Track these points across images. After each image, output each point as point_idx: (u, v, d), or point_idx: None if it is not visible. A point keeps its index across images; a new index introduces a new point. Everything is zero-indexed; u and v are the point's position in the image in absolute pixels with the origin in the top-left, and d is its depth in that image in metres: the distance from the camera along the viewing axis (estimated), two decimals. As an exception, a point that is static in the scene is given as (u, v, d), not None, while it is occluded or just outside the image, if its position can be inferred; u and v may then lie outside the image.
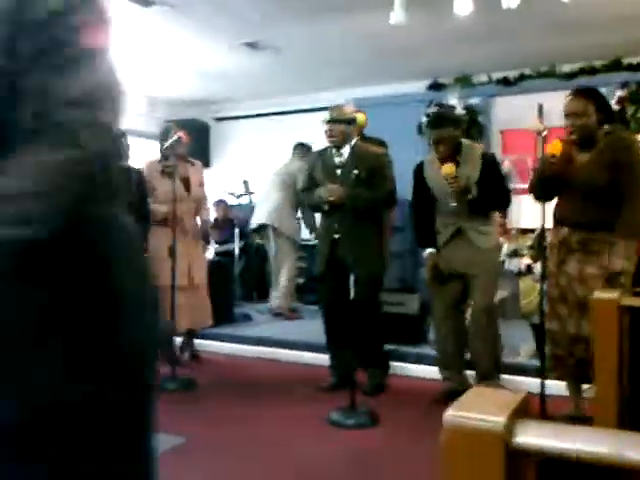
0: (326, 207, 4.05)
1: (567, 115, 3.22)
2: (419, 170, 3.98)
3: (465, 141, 3.89)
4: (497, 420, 0.70)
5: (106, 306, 1.05)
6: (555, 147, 3.19)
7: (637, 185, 3.12)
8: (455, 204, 3.72)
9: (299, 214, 6.52)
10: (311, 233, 6.39)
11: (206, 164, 8.83)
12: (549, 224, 3.42)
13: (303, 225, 6.62)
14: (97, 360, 1.03)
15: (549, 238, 3.43)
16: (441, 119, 3.80)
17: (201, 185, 4.85)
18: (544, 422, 0.78)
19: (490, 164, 3.83)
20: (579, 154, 3.25)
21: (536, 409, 3.17)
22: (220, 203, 7.54)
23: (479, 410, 0.70)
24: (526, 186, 6.23)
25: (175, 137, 4.48)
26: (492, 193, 3.75)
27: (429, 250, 3.92)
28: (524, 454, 0.71)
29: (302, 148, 6.57)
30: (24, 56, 0.99)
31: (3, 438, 0.97)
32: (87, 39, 1.06)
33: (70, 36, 1.03)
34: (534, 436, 0.71)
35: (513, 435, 0.70)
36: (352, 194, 3.90)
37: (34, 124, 0.97)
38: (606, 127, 3.20)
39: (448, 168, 3.68)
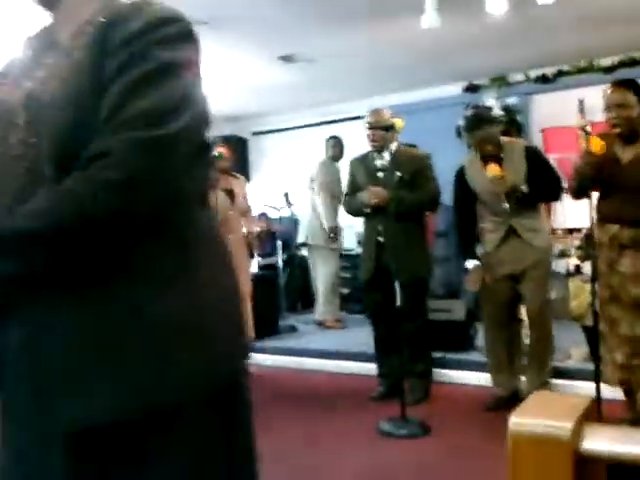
0: (368, 210, 4.04)
1: (609, 107, 3.13)
2: (460, 174, 3.92)
3: (504, 138, 3.82)
4: (564, 425, 0.67)
5: None
6: (596, 144, 3.10)
7: None
8: (507, 205, 3.65)
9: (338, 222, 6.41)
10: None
11: (246, 178, 8.92)
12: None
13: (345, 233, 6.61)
14: None
15: (597, 236, 3.34)
16: (479, 120, 3.75)
17: (245, 198, 4.91)
18: (612, 427, 0.75)
19: (535, 156, 3.74)
20: (623, 148, 3.16)
21: (595, 409, 3.08)
22: (262, 216, 7.58)
23: (545, 415, 0.68)
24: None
25: (217, 153, 4.57)
26: (543, 185, 3.66)
27: (474, 263, 3.82)
28: (593, 460, 0.68)
29: (335, 140, 6.56)
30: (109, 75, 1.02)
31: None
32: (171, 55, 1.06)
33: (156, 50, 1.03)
34: (603, 441, 0.68)
35: (581, 440, 0.67)
36: (396, 196, 3.88)
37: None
38: None
39: (493, 169, 3.61)
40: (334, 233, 6.16)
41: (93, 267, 1.00)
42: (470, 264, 3.81)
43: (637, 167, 3.08)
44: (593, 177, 3.16)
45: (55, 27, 1.17)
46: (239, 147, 8.76)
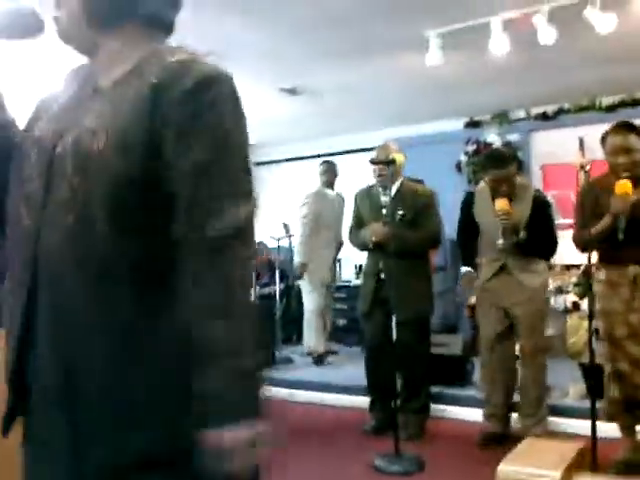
0: (371, 246, 4.04)
1: (615, 152, 3.12)
2: (468, 201, 3.92)
3: (519, 179, 3.83)
4: (553, 475, 0.66)
5: None
6: (626, 186, 3.03)
7: None
8: (502, 242, 3.64)
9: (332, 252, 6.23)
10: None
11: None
12: (594, 260, 3.32)
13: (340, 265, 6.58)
14: None
15: (599, 275, 3.32)
16: (503, 158, 3.77)
17: None
18: (601, 476, 0.73)
19: (541, 205, 3.75)
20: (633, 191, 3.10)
21: (588, 453, 3.04)
22: (260, 246, 7.57)
23: (534, 463, 0.66)
24: (569, 221, 6.13)
25: None
26: (539, 238, 3.66)
27: (466, 269, 3.90)
28: (582, 510, 0.67)
29: (327, 165, 6.34)
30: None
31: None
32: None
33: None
34: (592, 491, 0.67)
35: (570, 490, 0.66)
36: (398, 235, 3.87)
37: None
38: None
39: (503, 203, 3.60)
40: (300, 271, 5.91)
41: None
42: (464, 269, 3.92)
43: None
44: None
45: (96, 71, 1.20)
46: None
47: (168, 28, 1.25)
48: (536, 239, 3.65)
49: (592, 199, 3.23)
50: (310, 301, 6.05)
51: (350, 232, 4.37)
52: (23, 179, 1.14)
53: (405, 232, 3.95)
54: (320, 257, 5.96)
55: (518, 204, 3.67)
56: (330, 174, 6.25)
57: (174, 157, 1.05)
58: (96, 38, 1.17)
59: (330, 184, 6.23)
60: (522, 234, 3.62)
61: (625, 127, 3.16)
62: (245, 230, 1.08)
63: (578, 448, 2.57)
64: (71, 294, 1.07)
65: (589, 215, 3.22)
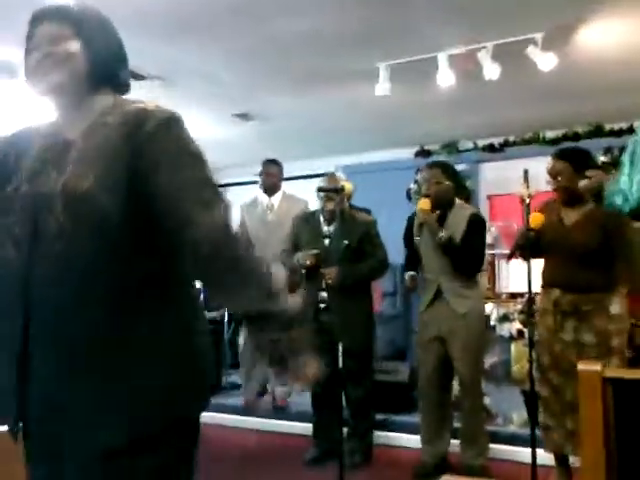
0: (303, 271, 4.03)
1: (550, 176, 3.28)
2: (410, 222, 3.98)
3: (458, 201, 3.89)
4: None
5: None
6: (535, 220, 3.21)
7: (628, 243, 3.16)
8: (417, 238, 3.71)
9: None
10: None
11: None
12: (538, 288, 3.41)
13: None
14: None
15: (538, 302, 3.41)
16: (434, 164, 3.98)
17: None
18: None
19: (475, 222, 3.76)
20: (567, 211, 3.26)
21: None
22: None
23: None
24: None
25: None
26: (466, 249, 3.67)
27: (410, 273, 3.92)
28: None
29: (265, 165, 5.23)
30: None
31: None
32: None
33: None
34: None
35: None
36: (348, 273, 3.89)
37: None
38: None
39: (423, 203, 3.67)
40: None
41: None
42: (407, 273, 3.94)
43: (581, 229, 3.17)
44: (533, 247, 3.25)
45: (62, 125, 1.40)
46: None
47: (124, 88, 1.51)
48: (460, 247, 3.66)
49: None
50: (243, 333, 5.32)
51: (282, 253, 4.30)
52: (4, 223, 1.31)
53: (354, 269, 3.97)
54: None
55: (451, 224, 3.72)
56: (266, 176, 5.09)
57: (153, 184, 1.28)
58: (86, 95, 1.40)
59: (269, 188, 5.09)
60: (443, 233, 3.64)
61: (560, 155, 3.30)
62: (228, 227, 1.32)
63: None
64: (72, 319, 1.25)
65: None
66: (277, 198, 5.07)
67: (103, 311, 1.26)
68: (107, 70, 1.43)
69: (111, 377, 1.26)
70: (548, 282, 3.29)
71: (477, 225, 3.77)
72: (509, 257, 3.65)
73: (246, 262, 1.31)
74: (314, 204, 4.41)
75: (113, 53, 1.45)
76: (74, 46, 1.38)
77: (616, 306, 3.12)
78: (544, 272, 3.33)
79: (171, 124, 1.34)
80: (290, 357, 1.33)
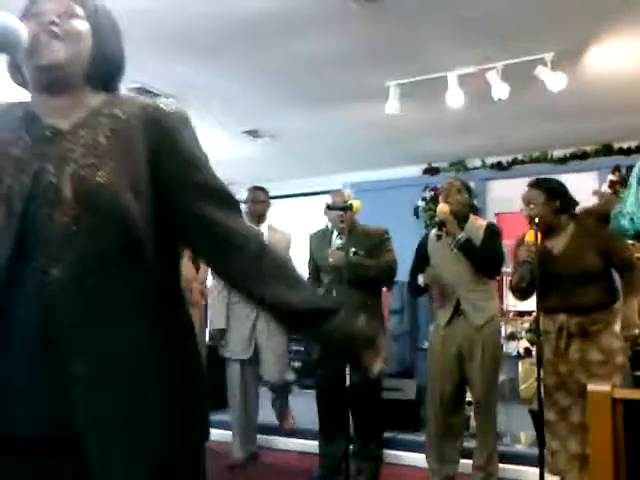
0: (326, 280, 4.04)
1: (523, 203, 3.37)
2: (424, 241, 3.98)
3: (472, 216, 3.91)
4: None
5: None
6: (531, 235, 3.25)
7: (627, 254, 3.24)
8: (435, 232, 3.71)
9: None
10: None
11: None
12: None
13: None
14: None
15: (543, 323, 3.41)
16: (455, 178, 4.06)
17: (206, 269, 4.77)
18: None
19: (491, 230, 3.80)
20: (549, 241, 3.32)
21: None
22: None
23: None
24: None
25: None
26: (485, 251, 3.68)
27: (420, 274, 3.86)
28: None
29: (251, 192, 4.68)
30: None
31: None
32: None
33: None
34: None
35: None
36: (354, 261, 3.87)
37: None
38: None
39: (443, 207, 3.69)
40: (215, 339, 4.61)
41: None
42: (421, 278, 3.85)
43: (569, 256, 3.22)
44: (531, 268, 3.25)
45: (47, 108, 1.24)
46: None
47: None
48: (481, 248, 3.67)
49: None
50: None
51: (309, 279, 4.22)
52: None
53: (362, 259, 3.97)
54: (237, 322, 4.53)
55: (469, 231, 3.71)
56: (254, 204, 4.61)
57: (176, 182, 1.24)
58: (80, 87, 1.26)
59: (257, 216, 4.60)
60: (462, 234, 3.64)
61: (533, 184, 3.38)
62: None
63: None
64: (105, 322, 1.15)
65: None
66: (264, 228, 4.63)
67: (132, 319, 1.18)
68: (108, 70, 1.31)
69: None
70: (551, 308, 3.29)
71: (494, 232, 3.80)
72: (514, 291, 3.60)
73: (287, 264, 1.33)
74: (321, 222, 4.42)
75: (117, 56, 1.33)
76: (85, 26, 1.24)
77: (618, 325, 3.13)
78: (545, 299, 3.29)
79: (188, 122, 1.34)
80: (363, 340, 1.35)
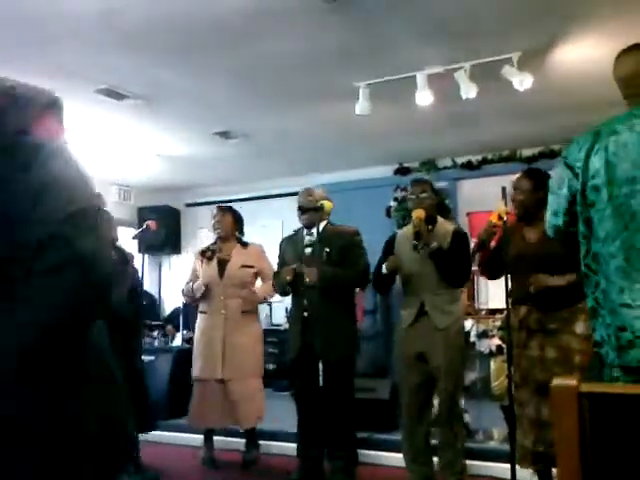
0: (287, 289, 4.08)
1: (513, 189, 3.49)
2: (391, 240, 3.99)
3: (440, 218, 3.93)
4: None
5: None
6: (497, 214, 3.39)
7: None
8: (415, 242, 3.68)
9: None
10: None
11: (177, 249, 8.85)
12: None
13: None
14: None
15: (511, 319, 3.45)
16: (422, 180, 4.07)
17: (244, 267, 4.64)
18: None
19: (459, 236, 3.83)
20: (527, 230, 3.43)
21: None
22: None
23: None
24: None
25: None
26: (454, 260, 3.70)
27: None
28: None
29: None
30: None
31: None
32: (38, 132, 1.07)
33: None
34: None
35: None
36: (327, 273, 3.90)
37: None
38: None
39: (418, 212, 3.71)
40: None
41: None
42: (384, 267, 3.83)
43: (541, 244, 3.27)
44: (492, 248, 3.46)
45: None
46: (173, 218, 8.75)
47: None
48: (450, 257, 3.69)
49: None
50: None
51: (274, 277, 4.35)
52: None
53: (334, 269, 3.99)
54: None
55: (437, 235, 3.75)
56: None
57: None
58: None
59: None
60: (434, 243, 3.67)
61: (525, 172, 3.56)
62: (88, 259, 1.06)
63: None
64: None
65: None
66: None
67: None
68: None
69: None
70: (516, 299, 3.37)
71: (461, 238, 3.84)
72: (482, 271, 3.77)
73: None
74: (295, 222, 4.42)
75: None
76: None
77: (581, 325, 3.16)
78: (513, 289, 3.38)
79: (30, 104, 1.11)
80: None
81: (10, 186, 1.03)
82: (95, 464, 1.13)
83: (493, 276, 3.70)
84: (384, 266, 3.79)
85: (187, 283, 4.70)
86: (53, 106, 1.10)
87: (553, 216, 2.27)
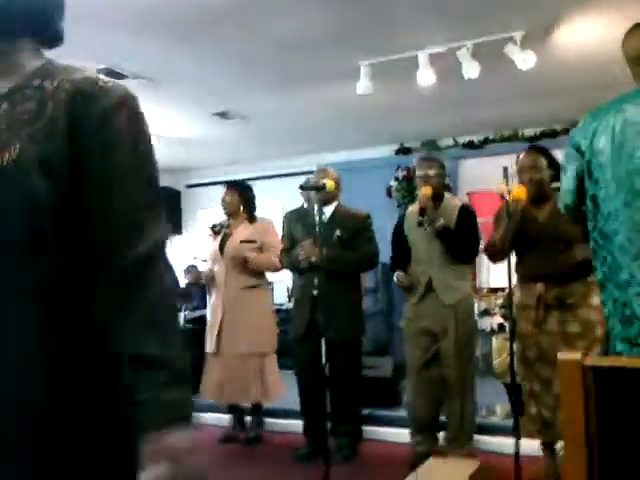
0: (303, 265, 4.06)
1: (522, 169, 3.38)
2: (400, 221, 4.02)
3: (447, 194, 3.96)
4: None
5: None
6: (521, 191, 3.25)
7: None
8: (421, 219, 3.67)
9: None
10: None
11: (178, 230, 8.87)
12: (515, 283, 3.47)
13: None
14: None
15: (518, 297, 3.47)
16: (431, 157, 4.05)
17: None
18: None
19: (466, 212, 3.85)
20: (535, 209, 3.38)
21: (510, 470, 3.16)
22: (191, 269, 7.52)
23: None
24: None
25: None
26: (462, 236, 3.74)
27: (398, 271, 3.88)
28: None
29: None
30: None
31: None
32: None
33: None
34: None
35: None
36: (336, 256, 3.92)
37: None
38: (556, 184, 3.32)
39: (425, 189, 3.70)
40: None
41: None
42: (397, 273, 3.88)
43: (554, 222, 3.25)
44: (515, 231, 3.27)
45: None
46: (173, 199, 8.76)
47: (55, 41, 1.22)
48: (457, 234, 3.72)
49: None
50: None
51: (282, 254, 4.37)
52: None
53: (343, 253, 4.01)
54: None
55: (442, 214, 3.77)
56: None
57: (91, 175, 1.06)
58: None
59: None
60: (441, 221, 3.67)
61: (535, 149, 3.47)
62: (163, 247, 1.10)
63: (475, 466, 2.69)
64: None
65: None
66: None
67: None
68: (29, 14, 1.13)
69: None
70: (529, 276, 3.36)
71: (468, 214, 3.86)
72: (489, 253, 3.62)
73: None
74: (295, 203, 4.44)
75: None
76: None
77: (595, 298, 3.19)
78: (523, 267, 3.39)
79: (128, 106, 1.11)
80: None
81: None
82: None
83: (503, 256, 3.47)
84: (395, 276, 3.87)
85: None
86: (128, 98, 1.13)
87: (564, 195, 2.29)
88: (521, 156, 3.45)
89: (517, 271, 3.44)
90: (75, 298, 1.07)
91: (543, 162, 3.35)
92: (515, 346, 3.39)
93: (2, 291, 1.02)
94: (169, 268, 1.13)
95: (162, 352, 1.02)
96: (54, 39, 1.21)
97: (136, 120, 1.12)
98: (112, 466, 1.08)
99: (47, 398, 1.03)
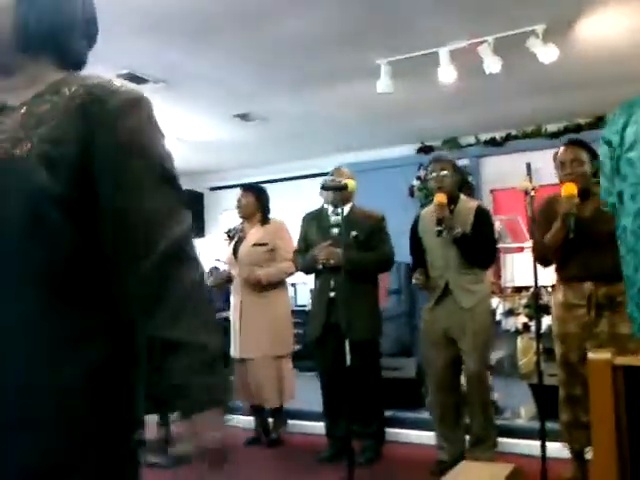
0: (320, 267, 4.03)
1: (564, 164, 3.23)
2: (415, 223, 3.98)
3: (462, 196, 3.90)
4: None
5: None
6: (571, 188, 3.10)
7: None
8: (438, 229, 3.62)
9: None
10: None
11: (201, 233, 8.90)
12: (543, 282, 3.38)
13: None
14: None
15: (557, 296, 3.36)
16: (442, 158, 3.97)
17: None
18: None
19: (482, 217, 3.78)
20: (580, 205, 3.16)
21: (537, 472, 3.09)
22: (213, 271, 7.53)
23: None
24: (519, 245, 6.25)
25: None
26: (478, 241, 3.67)
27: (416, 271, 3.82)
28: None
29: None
30: None
31: None
32: None
33: None
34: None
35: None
36: (352, 258, 3.87)
37: None
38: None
39: (441, 197, 3.63)
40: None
41: None
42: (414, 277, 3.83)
43: (600, 219, 3.03)
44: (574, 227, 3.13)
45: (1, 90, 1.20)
46: (196, 202, 8.79)
47: (77, 65, 1.28)
48: (475, 241, 3.65)
49: (550, 214, 3.27)
50: None
51: (296, 255, 4.31)
52: None
53: (359, 254, 3.98)
54: None
55: (457, 218, 3.71)
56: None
57: (104, 174, 1.11)
58: (18, 59, 1.20)
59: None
60: (458, 229, 3.61)
61: (576, 143, 3.31)
62: (185, 242, 1.14)
63: (509, 470, 2.63)
64: None
65: (547, 229, 3.27)
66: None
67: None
68: (48, 33, 1.19)
69: None
70: (578, 276, 3.21)
71: (485, 216, 3.80)
72: (540, 249, 3.39)
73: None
74: (315, 205, 4.41)
75: (59, 13, 1.20)
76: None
77: None
78: (569, 266, 3.25)
79: (138, 107, 1.16)
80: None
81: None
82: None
83: (551, 261, 3.35)
84: (414, 277, 3.80)
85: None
86: (140, 100, 1.18)
87: (604, 193, 2.21)
88: (560, 150, 3.29)
89: (559, 270, 3.33)
90: (81, 283, 1.12)
91: (584, 156, 3.21)
92: (556, 349, 3.28)
93: (3, 273, 1.07)
94: (195, 262, 1.15)
95: (194, 338, 1.06)
96: (76, 56, 1.27)
97: (148, 122, 1.18)
98: (112, 453, 1.12)
99: (48, 382, 1.06)
